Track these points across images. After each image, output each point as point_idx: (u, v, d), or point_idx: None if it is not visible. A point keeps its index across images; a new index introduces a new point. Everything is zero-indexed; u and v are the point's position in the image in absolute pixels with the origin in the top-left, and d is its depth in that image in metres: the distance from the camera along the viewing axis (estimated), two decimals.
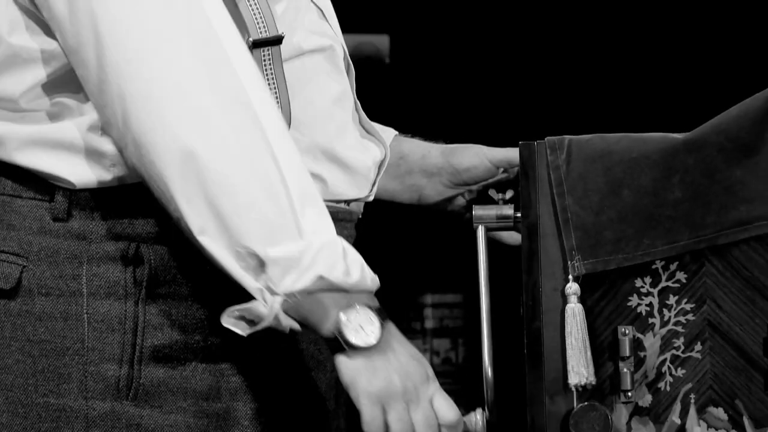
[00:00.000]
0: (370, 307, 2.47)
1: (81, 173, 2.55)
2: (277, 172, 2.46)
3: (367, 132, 2.77)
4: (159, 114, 2.49)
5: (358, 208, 2.81)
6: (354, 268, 2.46)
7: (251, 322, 2.50)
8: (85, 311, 2.55)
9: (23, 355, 2.57)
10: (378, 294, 2.56)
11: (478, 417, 2.60)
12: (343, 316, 2.46)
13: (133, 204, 2.56)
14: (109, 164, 2.53)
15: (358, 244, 2.60)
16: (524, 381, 2.58)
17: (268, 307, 2.45)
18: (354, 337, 2.47)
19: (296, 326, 2.48)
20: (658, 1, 4.89)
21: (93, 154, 2.53)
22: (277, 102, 2.60)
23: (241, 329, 2.48)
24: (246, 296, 2.52)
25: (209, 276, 2.58)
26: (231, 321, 2.48)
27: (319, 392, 2.72)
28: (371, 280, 2.51)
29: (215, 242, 2.46)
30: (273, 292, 2.44)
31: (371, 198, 2.81)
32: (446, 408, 2.51)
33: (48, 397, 2.56)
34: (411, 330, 2.83)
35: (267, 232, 2.44)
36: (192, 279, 2.59)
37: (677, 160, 2.54)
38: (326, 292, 2.45)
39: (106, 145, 2.51)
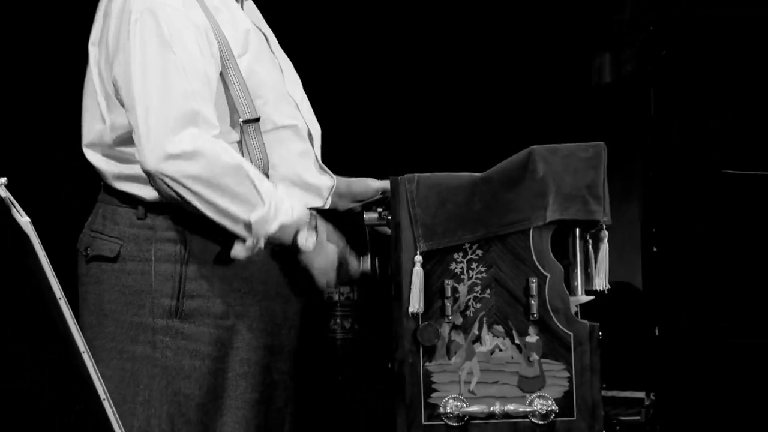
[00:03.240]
0: (308, 226, 2.57)
1: (152, 194, 2.57)
2: (250, 179, 2.53)
3: (323, 170, 2.75)
4: None
5: None
6: (294, 210, 2.56)
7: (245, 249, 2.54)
8: (153, 269, 2.59)
9: (119, 293, 2.60)
10: None
11: (368, 262, 2.71)
12: (296, 237, 2.56)
13: (180, 210, 2.57)
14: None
15: None
16: (392, 311, 2.59)
17: (255, 244, 2.52)
18: (303, 246, 2.58)
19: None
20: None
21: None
22: (259, 156, 2.61)
23: (240, 255, 2.54)
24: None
25: (221, 250, 2.60)
26: (234, 253, 2.54)
27: (288, 316, 2.71)
28: (303, 211, 2.60)
29: (221, 219, 2.52)
30: (257, 236, 2.52)
31: (326, 207, 2.75)
32: (354, 264, 2.68)
33: (132, 317, 2.59)
34: None
35: (247, 207, 2.51)
36: (212, 252, 2.60)
37: (477, 187, 2.57)
38: (285, 227, 2.54)
39: None
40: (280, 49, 2.78)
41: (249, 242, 2.53)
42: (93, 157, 2.66)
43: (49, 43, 3.78)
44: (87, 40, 2.67)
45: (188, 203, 2.53)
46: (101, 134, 2.62)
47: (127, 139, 2.58)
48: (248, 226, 2.52)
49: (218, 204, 2.51)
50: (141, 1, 2.54)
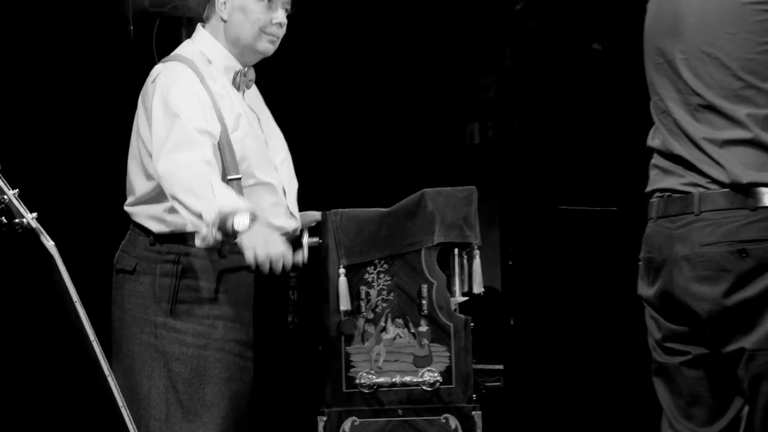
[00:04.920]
0: (244, 213, 2.38)
1: (159, 228, 2.55)
2: (211, 189, 2.42)
3: (291, 216, 2.67)
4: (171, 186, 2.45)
5: None
6: (234, 203, 2.40)
7: (203, 241, 2.42)
8: (157, 282, 2.56)
9: (134, 297, 2.58)
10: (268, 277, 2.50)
11: (300, 255, 2.53)
12: (234, 220, 2.37)
13: (177, 239, 2.54)
14: (169, 224, 2.54)
15: None
16: (321, 309, 2.57)
17: (209, 234, 2.39)
18: (238, 226, 2.36)
19: (219, 237, 2.39)
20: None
21: (164, 221, 2.54)
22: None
23: (200, 245, 2.47)
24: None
25: (204, 270, 2.57)
26: (196, 244, 2.48)
27: (255, 317, 2.62)
28: (243, 203, 2.42)
29: (185, 213, 2.42)
30: (207, 224, 2.38)
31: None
32: (288, 253, 2.43)
33: (142, 314, 2.57)
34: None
35: (201, 201, 2.39)
36: (197, 272, 2.56)
37: (384, 219, 2.58)
38: (225, 214, 2.38)
39: (169, 218, 2.52)
40: (273, 122, 2.74)
41: (203, 232, 2.40)
42: (129, 201, 2.63)
43: (77, 83, 3.62)
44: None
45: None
46: (143, 188, 2.58)
47: (161, 191, 2.53)
48: (200, 215, 2.41)
49: (183, 201, 2.44)
50: (163, 79, 2.54)
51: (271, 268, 2.41)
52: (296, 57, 2.98)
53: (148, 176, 2.57)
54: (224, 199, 2.41)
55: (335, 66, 4.44)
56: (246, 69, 2.68)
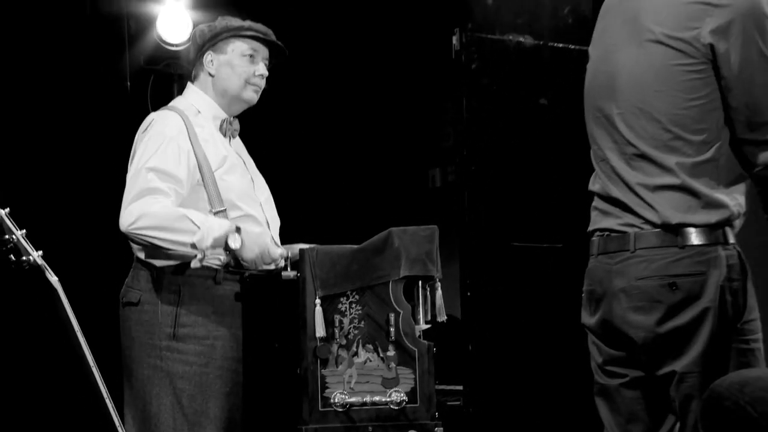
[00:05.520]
0: (234, 232, 2.49)
1: (161, 263, 2.57)
2: (190, 221, 2.47)
3: (276, 245, 2.69)
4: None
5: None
6: (221, 226, 2.48)
7: (198, 262, 2.50)
8: (160, 309, 2.56)
9: (140, 325, 2.58)
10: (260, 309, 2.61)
11: (291, 273, 2.55)
12: (227, 242, 2.48)
13: (177, 271, 2.54)
14: (170, 259, 2.55)
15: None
16: (299, 336, 2.52)
17: (203, 256, 2.50)
18: (233, 246, 2.49)
19: (214, 252, 2.49)
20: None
21: (170, 256, 2.55)
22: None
23: (197, 266, 2.51)
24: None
25: (202, 297, 2.57)
26: (192, 265, 2.50)
27: (241, 340, 2.63)
28: (228, 224, 2.51)
29: (175, 248, 2.47)
30: (201, 250, 2.47)
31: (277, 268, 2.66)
32: (275, 251, 2.55)
33: (148, 340, 2.57)
34: None
35: (188, 235, 2.46)
36: (196, 299, 2.56)
37: (356, 255, 2.55)
38: (217, 239, 2.47)
39: (174, 254, 2.53)
40: (256, 169, 2.77)
41: (198, 256, 2.50)
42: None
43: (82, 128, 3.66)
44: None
45: (153, 246, 2.51)
46: None
47: None
48: (193, 245, 2.49)
49: (169, 239, 2.49)
50: (154, 126, 2.58)
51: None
52: (275, 108, 3.02)
53: None
54: (210, 224, 2.46)
55: (311, 117, 4.52)
56: (231, 118, 2.71)
